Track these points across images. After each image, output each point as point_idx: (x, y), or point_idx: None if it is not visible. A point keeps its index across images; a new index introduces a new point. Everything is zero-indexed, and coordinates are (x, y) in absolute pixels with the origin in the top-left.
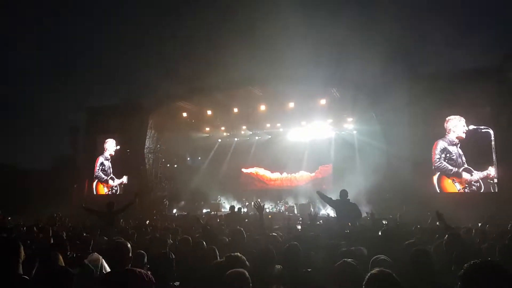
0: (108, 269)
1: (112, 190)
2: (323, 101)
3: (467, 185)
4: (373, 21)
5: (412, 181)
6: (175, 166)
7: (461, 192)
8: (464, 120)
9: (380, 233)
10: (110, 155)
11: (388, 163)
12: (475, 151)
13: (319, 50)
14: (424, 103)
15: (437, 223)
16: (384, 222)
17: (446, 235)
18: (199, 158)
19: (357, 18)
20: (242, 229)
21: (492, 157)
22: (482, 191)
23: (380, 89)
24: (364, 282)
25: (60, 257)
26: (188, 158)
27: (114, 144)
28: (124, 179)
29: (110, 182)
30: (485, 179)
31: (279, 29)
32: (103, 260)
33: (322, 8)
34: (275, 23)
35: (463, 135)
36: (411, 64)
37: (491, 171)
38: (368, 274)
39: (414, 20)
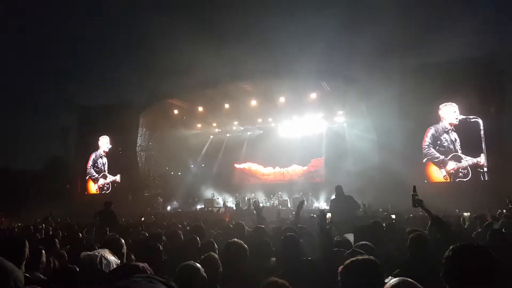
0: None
1: (103, 188)
2: (313, 95)
3: (453, 172)
4: (362, 13)
5: (403, 172)
6: (167, 168)
7: (452, 181)
8: (456, 107)
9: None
10: (104, 151)
11: (379, 155)
12: (465, 139)
13: (308, 44)
14: (415, 95)
15: (420, 212)
16: (392, 216)
17: (429, 222)
18: (203, 165)
19: (346, 10)
20: (243, 222)
21: (481, 146)
22: (468, 178)
23: (370, 82)
24: (341, 268)
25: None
26: (192, 166)
27: (108, 141)
28: (118, 177)
29: (101, 180)
30: (474, 166)
31: (268, 23)
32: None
33: (311, 1)
34: (264, 18)
35: (456, 121)
36: (401, 55)
37: (482, 158)
38: (348, 261)
39: (403, 11)
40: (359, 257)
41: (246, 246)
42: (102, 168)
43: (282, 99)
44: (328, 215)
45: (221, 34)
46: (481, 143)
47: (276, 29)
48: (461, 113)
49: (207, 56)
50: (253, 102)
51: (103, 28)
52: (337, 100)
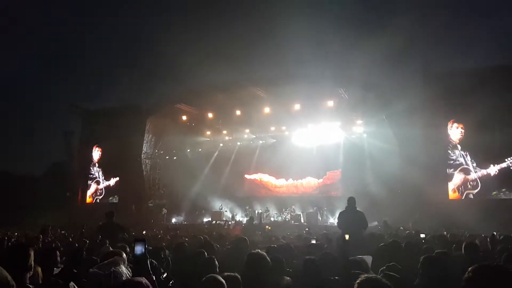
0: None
1: (97, 193)
2: (330, 103)
3: (462, 185)
4: (383, 18)
5: (426, 187)
6: (174, 157)
7: (479, 199)
8: (461, 125)
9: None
10: (95, 161)
11: (400, 168)
12: (487, 150)
13: (326, 48)
14: (438, 103)
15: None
16: (422, 235)
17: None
18: (200, 150)
19: (367, 14)
20: (246, 238)
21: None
22: (478, 189)
23: (391, 89)
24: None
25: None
26: (188, 150)
27: (100, 152)
28: (112, 181)
29: (94, 185)
30: (485, 177)
31: (283, 27)
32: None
33: (330, 4)
34: (279, 21)
35: (457, 140)
36: (424, 62)
37: (492, 169)
38: (356, 283)
39: (426, 17)
40: (364, 277)
41: (269, 259)
42: (93, 176)
43: (297, 106)
44: (347, 236)
45: (234, 37)
46: (501, 153)
47: (291, 32)
48: (485, 122)
49: (218, 59)
50: (266, 109)
51: (112, 29)
52: (355, 108)
